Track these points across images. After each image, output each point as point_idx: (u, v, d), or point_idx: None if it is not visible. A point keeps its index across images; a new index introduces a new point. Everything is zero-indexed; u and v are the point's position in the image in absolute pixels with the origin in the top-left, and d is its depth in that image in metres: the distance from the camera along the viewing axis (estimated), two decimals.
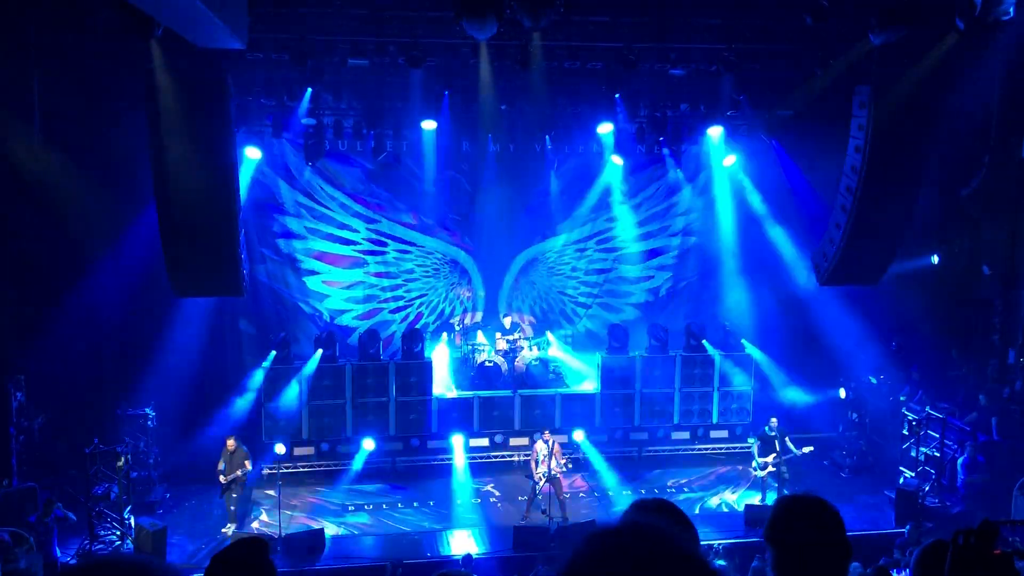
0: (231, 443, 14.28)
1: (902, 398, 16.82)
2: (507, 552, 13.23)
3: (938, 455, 15.31)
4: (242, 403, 16.39)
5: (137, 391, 15.58)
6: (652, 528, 1.34)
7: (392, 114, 15.94)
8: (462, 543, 13.81)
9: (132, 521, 13.68)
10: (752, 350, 17.89)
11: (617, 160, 17.96)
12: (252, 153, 16.30)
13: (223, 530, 14.02)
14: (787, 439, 15.03)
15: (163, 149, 12.50)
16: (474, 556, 13.10)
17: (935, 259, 18.00)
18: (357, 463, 16.27)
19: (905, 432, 15.96)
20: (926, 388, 16.70)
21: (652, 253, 19.68)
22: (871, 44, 12.16)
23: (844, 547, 2.78)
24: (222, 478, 14.06)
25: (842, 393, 17.65)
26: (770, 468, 14.94)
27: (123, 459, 13.76)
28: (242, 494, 14.44)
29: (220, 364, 16.81)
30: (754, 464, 15.24)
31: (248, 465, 14.24)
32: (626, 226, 19.37)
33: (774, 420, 15.21)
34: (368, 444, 16.13)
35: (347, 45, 13.97)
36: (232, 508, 14.16)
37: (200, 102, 12.50)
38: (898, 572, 3.79)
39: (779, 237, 17.90)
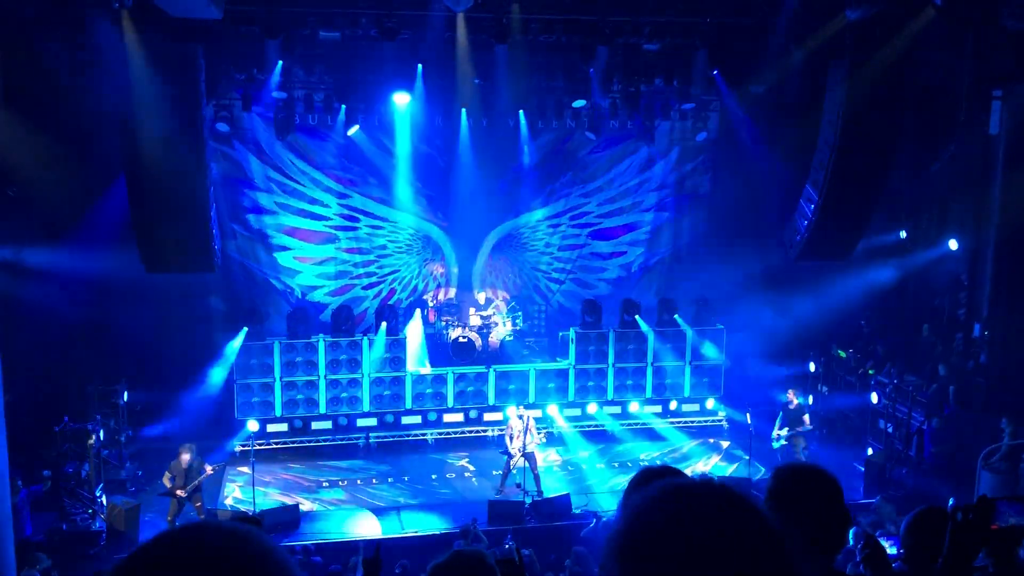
0: (187, 455, 12.71)
1: (871, 372, 17.08)
2: (482, 526, 13.29)
3: (905, 427, 15.60)
4: (213, 380, 16.25)
5: (107, 368, 15.38)
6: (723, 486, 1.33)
7: (364, 88, 15.77)
8: (432, 519, 13.82)
9: (104, 499, 13.56)
10: (722, 324, 18.04)
11: (590, 136, 17.93)
12: (221, 127, 16.05)
13: None
14: (806, 417, 15.14)
15: (132, 123, 12.30)
16: (448, 529, 13.16)
17: (903, 234, 18.24)
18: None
19: (873, 404, 16.23)
20: (894, 361, 16.97)
21: (625, 229, 19.73)
22: (847, 19, 12.22)
23: (844, 515, 2.82)
24: (180, 492, 12.63)
25: (812, 367, 17.89)
26: (783, 441, 15.05)
27: (93, 437, 13.61)
28: (202, 494, 13.16)
29: (191, 341, 16.63)
30: (774, 434, 15.30)
31: (209, 470, 13.01)
32: (599, 202, 19.39)
33: (791, 393, 15.29)
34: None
35: (318, 17, 13.80)
36: (203, 517, 12.83)
37: (170, 75, 12.31)
38: (886, 539, 3.88)
39: (751, 213, 18.01)
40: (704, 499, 1.29)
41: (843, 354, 18.00)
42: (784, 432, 15.04)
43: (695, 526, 1.25)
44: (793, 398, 15.25)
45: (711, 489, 1.32)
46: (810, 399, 17.82)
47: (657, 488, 1.32)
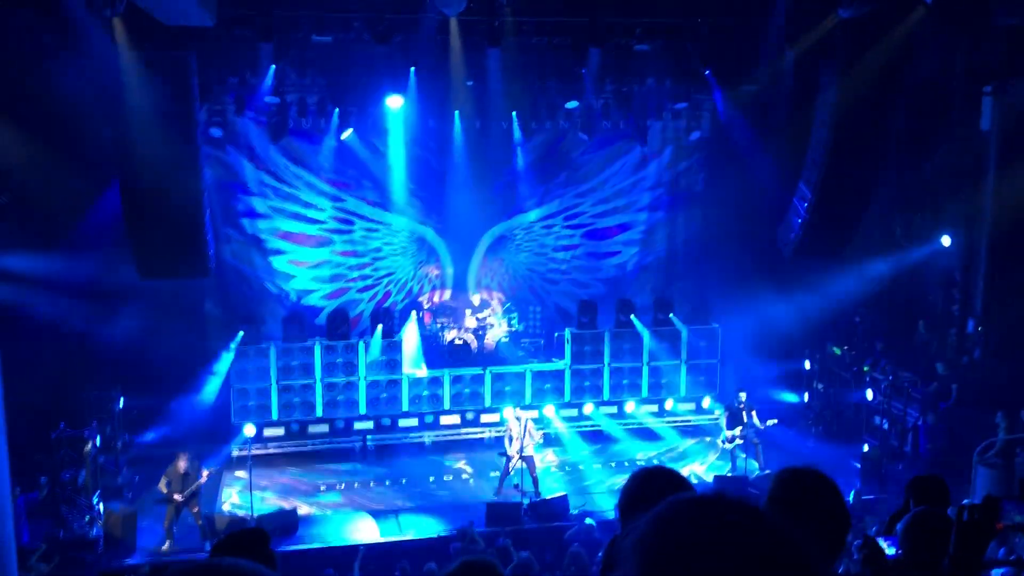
0: (183, 462, 12.78)
1: (866, 368, 17.12)
2: (480, 528, 13.29)
3: (900, 424, 15.64)
4: (209, 385, 16.22)
5: (103, 374, 15.34)
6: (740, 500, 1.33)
7: (357, 91, 15.78)
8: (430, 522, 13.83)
9: (101, 506, 13.52)
10: (718, 323, 18.07)
11: (583, 136, 17.94)
12: (215, 131, 16.03)
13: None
14: (753, 413, 15.23)
15: (126, 128, 12.29)
16: (445, 532, 13.17)
17: (897, 231, 18.27)
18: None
19: (869, 400, 16.27)
20: (889, 358, 17.00)
21: (620, 229, 19.75)
22: (839, 18, 12.25)
23: (844, 518, 2.83)
24: (177, 496, 12.66)
25: (807, 364, 17.94)
26: (737, 440, 15.15)
27: (90, 443, 13.57)
28: (198, 501, 13.15)
29: (186, 346, 16.56)
30: (722, 436, 15.44)
31: (205, 475, 13.03)
32: (593, 202, 19.41)
33: (743, 394, 15.40)
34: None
35: (311, 20, 13.79)
36: (201, 523, 12.98)
37: (163, 80, 12.30)
38: (884, 539, 3.89)
39: (746, 212, 18.04)
40: (734, 525, 1.29)
41: (838, 351, 18.04)
42: (737, 432, 15.10)
43: (727, 552, 1.25)
44: (743, 398, 15.30)
45: (739, 512, 1.31)
46: (805, 396, 17.89)
47: (687, 521, 1.31)
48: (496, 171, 18.47)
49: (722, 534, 1.27)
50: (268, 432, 16.24)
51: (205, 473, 12.99)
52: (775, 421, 15.27)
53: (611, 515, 13.45)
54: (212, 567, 1.39)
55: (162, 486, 12.82)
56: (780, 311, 17.81)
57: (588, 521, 12.84)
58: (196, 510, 13.01)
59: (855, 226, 15.70)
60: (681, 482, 2.90)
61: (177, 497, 12.71)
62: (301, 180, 17.97)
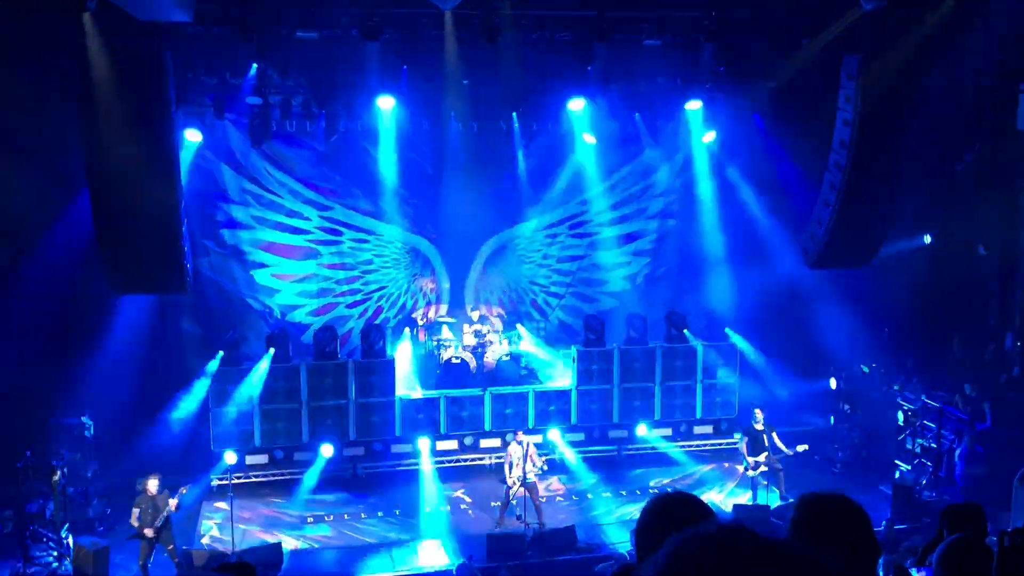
0: (153, 485, 12.65)
1: (896, 387, 17.10)
2: (480, 562, 13.27)
3: (935, 447, 15.60)
4: (187, 409, 16.21)
5: (72, 399, 15.33)
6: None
7: (345, 91, 15.82)
8: (431, 554, 13.82)
9: (70, 540, 13.48)
10: (737, 339, 18.06)
11: (589, 139, 17.99)
12: (192, 136, 16.09)
13: None
14: (775, 435, 15.18)
15: (96, 133, 12.30)
16: (443, 568, 13.14)
17: (927, 239, 18.30)
18: (312, 474, 16.04)
19: (900, 423, 16.24)
20: (921, 376, 16.99)
21: (628, 238, 19.80)
22: (861, 10, 12.30)
23: (873, 547, 2.83)
24: (148, 531, 12.51)
25: (833, 383, 17.91)
26: (762, 467, 15.07)
27: (58, 473, 13.55)
28: (172, 533, 13.06)
29: (162, 367, 16.62)
30: (744, 464, 15.36)
31: (173, 504, 12.79)
32: (600, 209, 19.45)
33: (759, 412, 15.33)
34: (326, 451, 16.00)
35: (296, 16, 13.84)
36: (177, 560, 12.91)
37: (136, 81, 12.32)
38: (918, 570, 3.87)
39: (764, 218, 18.08)
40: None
41: (866, 369, 18.03)
42: (761, 459, 15.03)
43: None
44: (760, 417, 15.25)
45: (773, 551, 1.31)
46: (832, 419, 17.84)
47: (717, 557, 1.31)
48: (495, 176, 18.51)
49: (748, 572, 1.27)
50: (250, 460, 16.21)
51: (173, 502, 12.78)
52: (806, 447, 15.15)
53: (624, 548, 13.44)
54: None
55: (133, 519, 12.72)
56: (803, 325, 17.81)
57: (622, 550, 12.76)
58: (171, 548, 12.88)
59: (883, 232, 15.70)
60: (704, 510, 2.89)
61: (148, 532, 12.61)
62: (285, 187, 18.01)
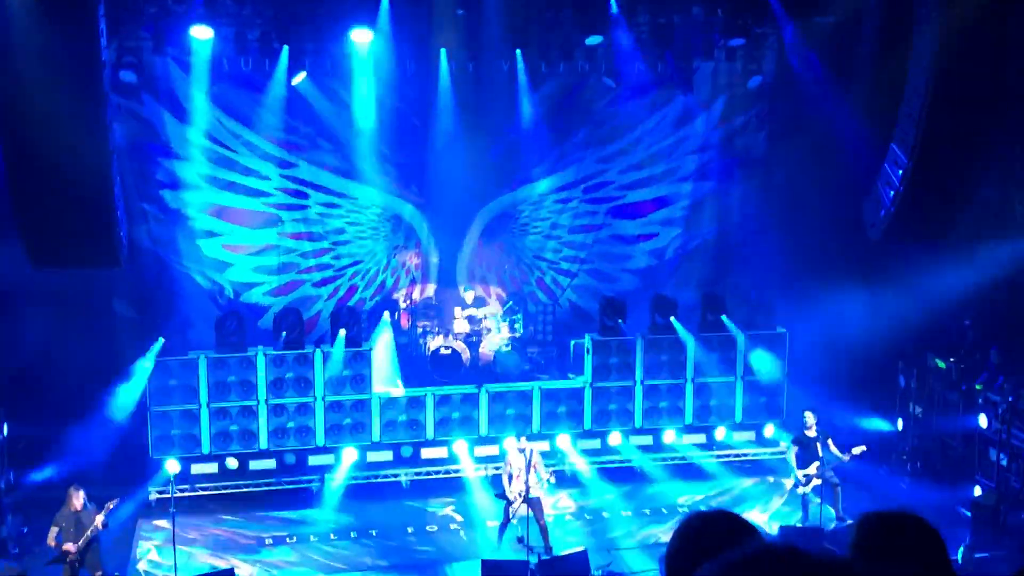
0: (78, 499, 12.72)
1: (978, 387, 17.10)
2: None
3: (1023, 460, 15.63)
4: (120, 409, 16.25)
5: None
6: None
7: (312, 23, 15.81)
8: None
9: None
10: (784, 328, 18.06)
11: (610, 82, 17.95)
12: (127, 77, 16.06)
13: None
14: (830, 442, 15.23)
15: (10, 74, 12.28)
16: None
17: (1018, 208, 18.26)
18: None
19: (982, 428, 16.26)
20: (1008, 373, 16.99)
21: (656, 203, 19.77)
22: None
23: (948, 574, 2.84)
24: (70, 547, 12.56)
25: (901, 382, 17.92)
26: (815, 481, 15.11)
27: None
28: (101, 556, 13.17)
29: (90, 357, 16.60)
30: (792, 478, 15.41)
31: (100, 522, 12.82)
32: (622, 169, 19.42)
33: (810, 415, 15.36)
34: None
35: None
36: None
37: (60, 9, 12.28)
38: None
39: (821, 181, 18.02)
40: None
41: (942, 364, 18.02)
42: (813, 471, 15.06)
43: None
44: (812, 422, 15.28)
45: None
46: (899, 423, 17.87)
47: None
48: (495, 128, 18.52)
49: None
50: (197, 469, 16.28)
51: (100, 518, 12.79)
52: (864, 448, 15.21)
53: None
54: None
55: (51, 538, 12.72)
56: (865, 312, 17.79)
57: None
58: (99, 574, 12.92)
59: (963, 201, 15.67)
60: (747, 531, 2.88)
61: (70, 548, 12.62)
62: (240, 139, 18.01)
